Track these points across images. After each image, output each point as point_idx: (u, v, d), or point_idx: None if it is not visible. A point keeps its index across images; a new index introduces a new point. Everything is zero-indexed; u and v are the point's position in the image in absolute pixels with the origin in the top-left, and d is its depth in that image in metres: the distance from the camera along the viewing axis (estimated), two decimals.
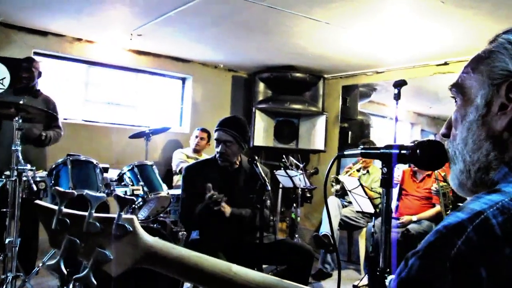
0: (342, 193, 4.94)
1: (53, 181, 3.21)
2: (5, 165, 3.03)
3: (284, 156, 5.02)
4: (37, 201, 0.85)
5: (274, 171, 4.93)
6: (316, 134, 6.09)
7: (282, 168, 4.90)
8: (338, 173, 5.58)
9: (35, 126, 3.81)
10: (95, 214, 0.84)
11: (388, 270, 1.23)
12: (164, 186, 3.68)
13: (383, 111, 6.28)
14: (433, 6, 3.42)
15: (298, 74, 5.90)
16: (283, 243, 3.06)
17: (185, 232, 3.93)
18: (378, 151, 1.20)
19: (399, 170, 4.66)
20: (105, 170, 3.55)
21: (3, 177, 2.98)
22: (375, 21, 3.88)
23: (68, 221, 0.82)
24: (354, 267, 5.03)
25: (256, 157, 2.84)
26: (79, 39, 5.07)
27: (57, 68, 5.20)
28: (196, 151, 5.27)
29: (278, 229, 5.66)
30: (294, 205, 5.05)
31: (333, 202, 4.77)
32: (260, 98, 6.07)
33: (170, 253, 0.88)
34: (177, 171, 5.05)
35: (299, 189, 4.88)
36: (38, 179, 3.14)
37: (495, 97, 0.74)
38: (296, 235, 5.16)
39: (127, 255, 0.85)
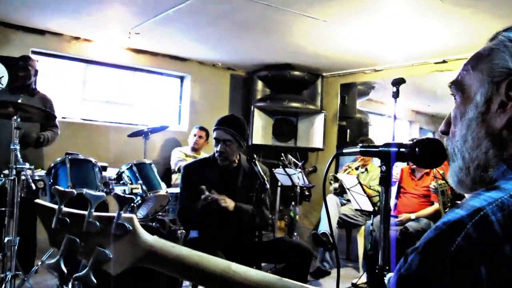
0: (340, 191, 4.95)
1: (51, 180, 3.20)
2: (4, 164, 3.02)
3: (282, 154, 5.03)
4: (37, 200, 0.85)
5: (273, 169, 4.93)
6: (315, 133, 6.10)
7: (280, 167, 4.90)
8: (336, 171, 5.59)
9: (33, 130, 3.82)
10: (94, 213, 0.84)
11: (387, 268, 1.23)
12: (163, 185, 3.67)
13: (381, 109, 6.29)
14: (432, 5, 3.42)
15: (296, 73, 5.90)
16: (281, 241, 3.06)
17: (183, 231, 3.93)
18: (377, 149, 1.19)
19: (398, 168, 4.67)
20: (104, 169, 3.54)
21: (2, 176, 2.98)
22: (373, 19, 3.88)
23: (68, 220, 0.82)
24: (353, 265, 5.03)
25: (255, 156, 2.84)
26: (77, 38, 5.06)
27: (55, 67, 5.20)
28: (195, 149, 5.27)
29: (276, 227, 5.66)
30: (293, 203, 5.05)
31: (332, 200, 4.78)
32: (259, 96, 6.08)
33: (170, 252, 0.88)
34: (176, 169, 5.06)
35: (298, 187, 4.88)
36: (36, 178, 3.13)
37: (495, 95, 0.74)
38: (295, 233, 5.17)
39: (127, 254, 0.85)
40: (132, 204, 3.49)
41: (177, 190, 3.88)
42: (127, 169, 3.61)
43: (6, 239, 2.89)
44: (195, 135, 5.27)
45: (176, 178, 5.05)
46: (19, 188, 2.87)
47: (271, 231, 3.33)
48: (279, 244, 2.97)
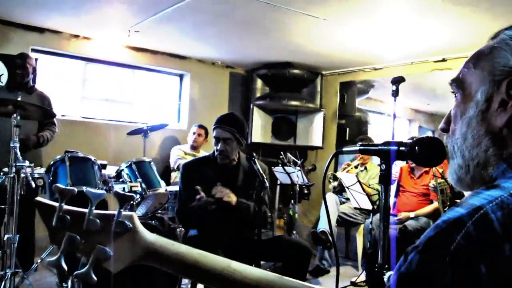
0: (339, 190, 4.95)
1: (51, 178, 3.21)
2: (3, 162, 3.02)
3: (282, 152, 5.03)
4: (38, 198, 0.85)
5: (272, 168, 4.94)
6: (314, 131, 6.10)
7: (280, 165, 4.90)
8: (336, 169, 5.59)
9: (32, 130, 3.82)
10: (95, 211, 0.84)
11: (387, 266, 1.23)
12: (162, 183, 3.68)
13: (380, 108, 6.28)
14: (431, 3, 3.42)
15: (295, 71, 5.89)
16: (280, 239, 3.07)
17: (183, 229, 3.94)
18: (377, 148, 1.19)
19: (397, 166, 4.67)
20: (103, 167, 3.54)
21: (2, 174, 2.98)
22: (373, 17, 3.88)
23: (68, 218, 0.83)
24: (352, 264, 5.04)
25: (254, 154, 2.84)
26: (77, 36, 5.05)
27: (55, 65, 5.19)
28: (194, 147, 5.27)
29: (276, 225, 5.67)
30: (292, 201, 5.05)
31: (331, 198, 4.78)
32: (258, 95, 6.07)
33: (170, 250, 0.88)
34: (175, 167, 5.06)
35: (297, 185, 4.89)
36: (36, 176, 3.13)
37: (496, 93, 0.74)
38: (294, 232, 5.17)
39: (127, 252, 0.86)
40: (132, 202, 3.50)
41: (176, 188, 3.88)
42: (126, 167, 3.62)
43: (6, 237, 2.90)
44: (194, 133, 5.27)
45: (175, 176, 5.05)
46: (18, 186, 2.87)
47: (270, 230, 3.34)
48: (278, 242, 2.98)
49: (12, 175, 2.85)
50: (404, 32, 4.21)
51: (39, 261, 3.41)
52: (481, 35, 3.94)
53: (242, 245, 2.87)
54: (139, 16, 4.23)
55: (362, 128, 6.21)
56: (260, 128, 6.07)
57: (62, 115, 4.98)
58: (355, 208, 4.49)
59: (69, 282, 2.82)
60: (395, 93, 3.42)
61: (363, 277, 4.26)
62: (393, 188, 4.56)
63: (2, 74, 3.67)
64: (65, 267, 0.82)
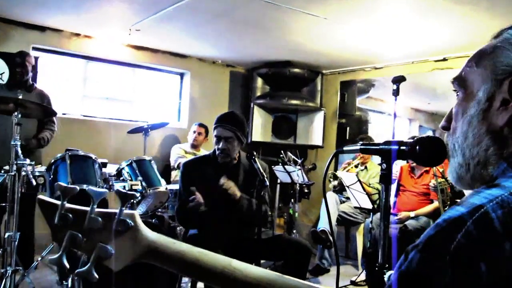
0: (340, 189, 4.95)
1: (52, 176, 3.21)
2: (4, 160, 3.02)
3: (282, 151, 5.03)
4: (40, 196, 0.85)
5: (272, 166, 4.93)
6: (314, 130, 6.10)
7: (280, 164, 4.90)
8: (336, 169, 5.59)
9: (32, 132, 3.82)
10: (96, 209, 0.84)
11: (387, 265, 1.23)
12: (163, 181, 3.68)
13: (381, 107, 6.27)
14: (432, 3, 3.42)
15: (296, 70, 5.89)
16: (280, 238, 3.06)
17: (183, 228, 3.93)
18: (377, 147, 1.19)
19: (397, 166, 4.67)
20: (104, 165, 3.55)
21: (2, 172, 2.98)
22: (373, 16, 3.88)
23: (70, 216, 0.83)
24: (352, 263, 5.04)
25: (255, 153, 2.84)
26: (77, 34, 5.06)
27: (55, 63, 5.19)
28: (194, 146, 5.27)
29: (276, 224, 5.67)
30: (292, 200, 5.04)
31: (331, 197, 4.78)
32: (258, 93, 6.07)
33: (171, 248, 0.89)
34: (175, 166, 5.06)
35: (297, 184, 4.88)
36: (37, 174, 3.13)
37: (497, 92, 0.74)
38: (294, 231, 5.17)
39: (128, 250, 0.86)
40: (132, 201, 3.50)
41: (176, 186, 3.88)
42: (127, 165, 3.62)
43: (6, 235, 2.90)
44: (194, 131, 5.27)
45: (175, 174, 5.05)
46: (19, 184, 2.88)
47: (270, 229, 3.34)
48: (278, 241, 2.97)
49: (13, 173, 2.85)
50: (404, 31, 4.21)
51: (39, 259, 3.42)
52: (481, 34, 3.95)
53: (242, 244, 2.87)
54: (139, 14, 4.23)
55: (363, 127, 6.21)
56: (260, 127, 6.07)
57: (63, 114, 4.98)
58: (355, 207, 4.49)
59: (69, 280, 2.83)
60: (396, 92, 3.42)
61: (363, 277, 4.26)
62: (393, 187, 4.56)
63: (4, 72, 3.67)
64: (67, 265, 0.83)
